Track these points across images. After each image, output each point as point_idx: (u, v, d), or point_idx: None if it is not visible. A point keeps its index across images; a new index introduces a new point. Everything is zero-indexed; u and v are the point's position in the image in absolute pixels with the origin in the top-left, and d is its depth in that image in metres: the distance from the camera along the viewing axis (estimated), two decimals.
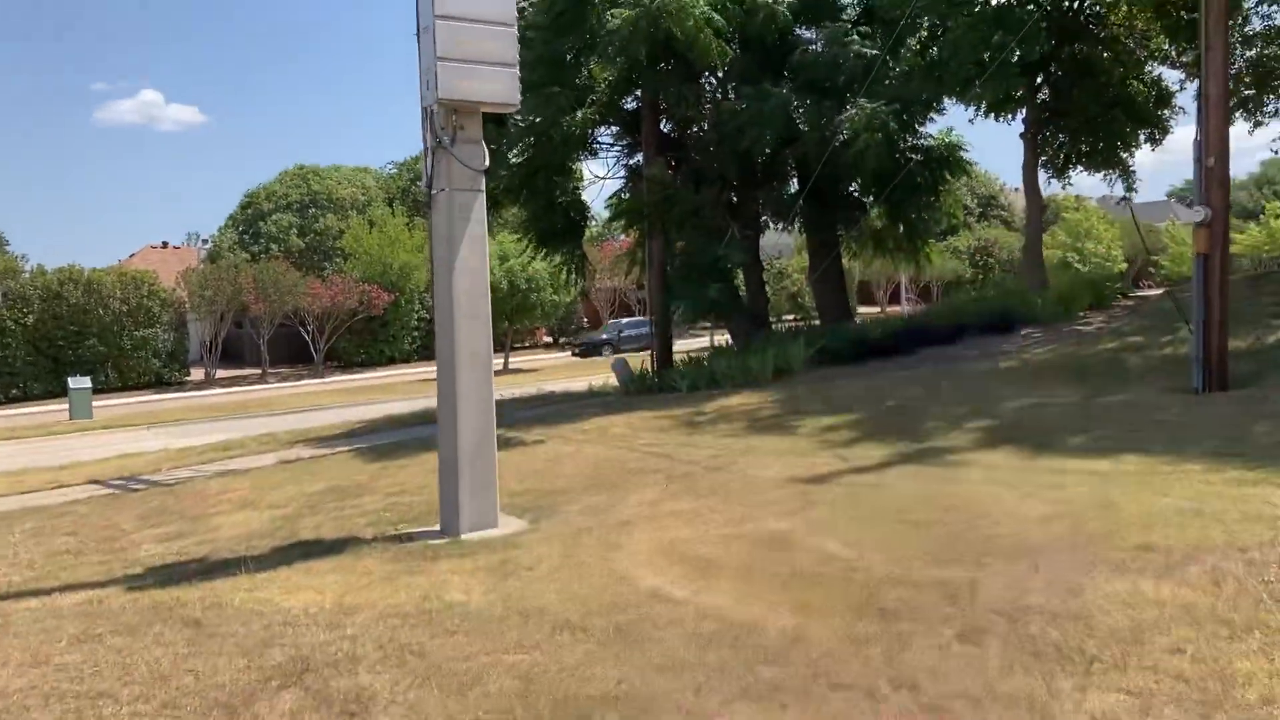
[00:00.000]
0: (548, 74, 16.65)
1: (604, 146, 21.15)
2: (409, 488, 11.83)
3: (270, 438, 20.38)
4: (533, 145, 18.74)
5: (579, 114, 17.39)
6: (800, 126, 17.17)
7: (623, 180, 21.30)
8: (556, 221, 20.66)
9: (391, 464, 13.72)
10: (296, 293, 43.89)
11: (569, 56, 17.14)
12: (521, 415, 18.87)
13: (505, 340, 42.50)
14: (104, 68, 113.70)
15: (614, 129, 20.85)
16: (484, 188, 9.74)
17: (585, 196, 21.21)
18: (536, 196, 20.20)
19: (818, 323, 20.35)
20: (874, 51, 16.34)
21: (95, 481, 15.62)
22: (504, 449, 14.01)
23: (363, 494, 11.82)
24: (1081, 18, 19.19)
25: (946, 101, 18.46)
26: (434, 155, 9.59)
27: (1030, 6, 17.77)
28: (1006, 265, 62.86)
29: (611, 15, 15.27)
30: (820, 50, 16.66)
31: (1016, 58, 16.35)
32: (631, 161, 21.11)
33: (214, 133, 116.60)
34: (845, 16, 17.57)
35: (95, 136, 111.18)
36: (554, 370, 38.28)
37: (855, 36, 16.42)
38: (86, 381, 32.15)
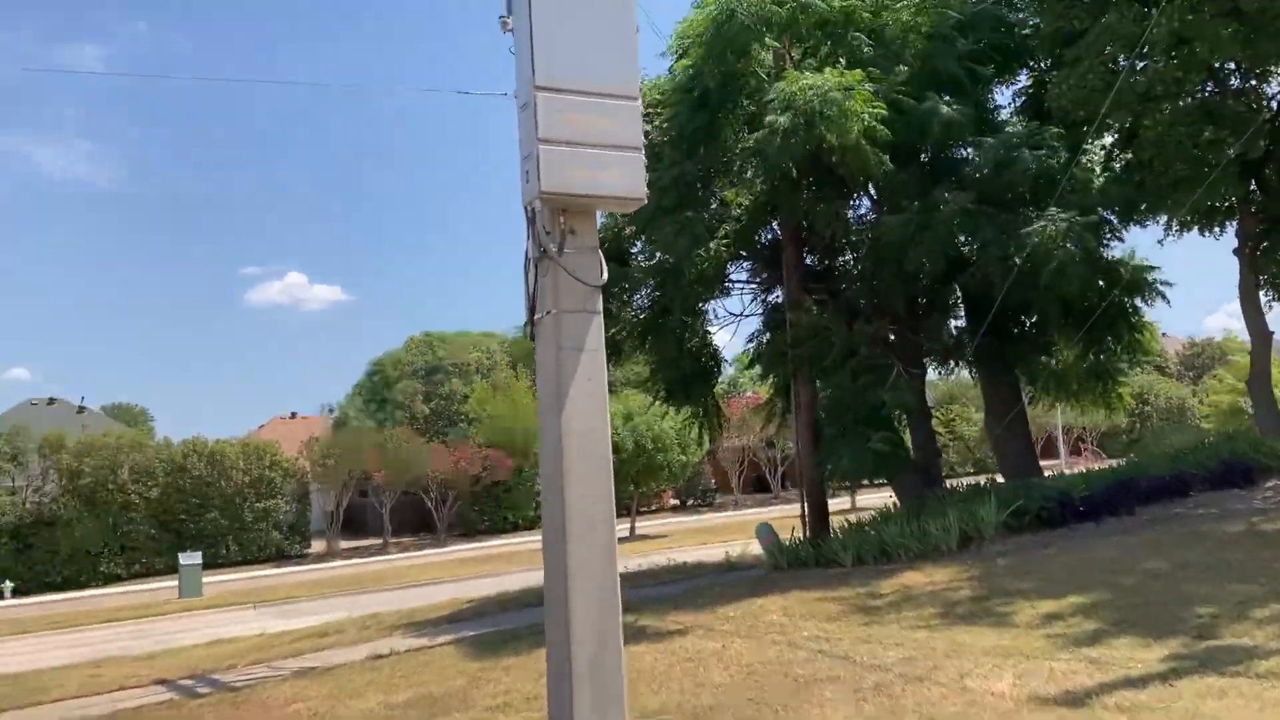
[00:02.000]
0: (676, 201, 14.64)
1: (737, 284, 18.99)
2: (514, 699, 9.27)
3: (373, 620, 18.21)
4: (659, 284, 16.70)
5: (711, 246, 15.31)
6: (970, 246, 14.68)
7: (760, 318, 19.05)
8: (685, 369, 18.40)
9: (496, 663, 11.20)
10: (419, 460, 42.55)
11: (699, 181, 15.15)
12: (651, 594, 16.21)
13: (631, 505, 40.02)
14: (255, 253, 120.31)
15: (748, 264, 18.72)
16: (600, 309, 7.47)
17: (717, 340, 19.02)
18: (663, 342, 18.03)
19: (999, 478, 17.36)
20: (1059, 158, 13.88)
21: (162, 682, 13.49)
22: (631, 642, 11.38)
23: (456, 708, 9.29)
24: None
25: (1143, 213, 15.80)
26: (537, 268, 7.38)
27: (1243, 98, 15.24)
28: (1165, 415, 58.03)
29: (768, 123, 13.21)
30: (993, 156, 14.25)
31: (1233, 156, 13.67)
32: (770, 298, 18.87)
33: (354, 308, 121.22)
34: (1016, 122, 15.23)
35: (244, 317, 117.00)
36: (684, 536, 35.48)
37: (1035, 144, 14.02)
38: (197, 557, 30.79)
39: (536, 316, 7.42)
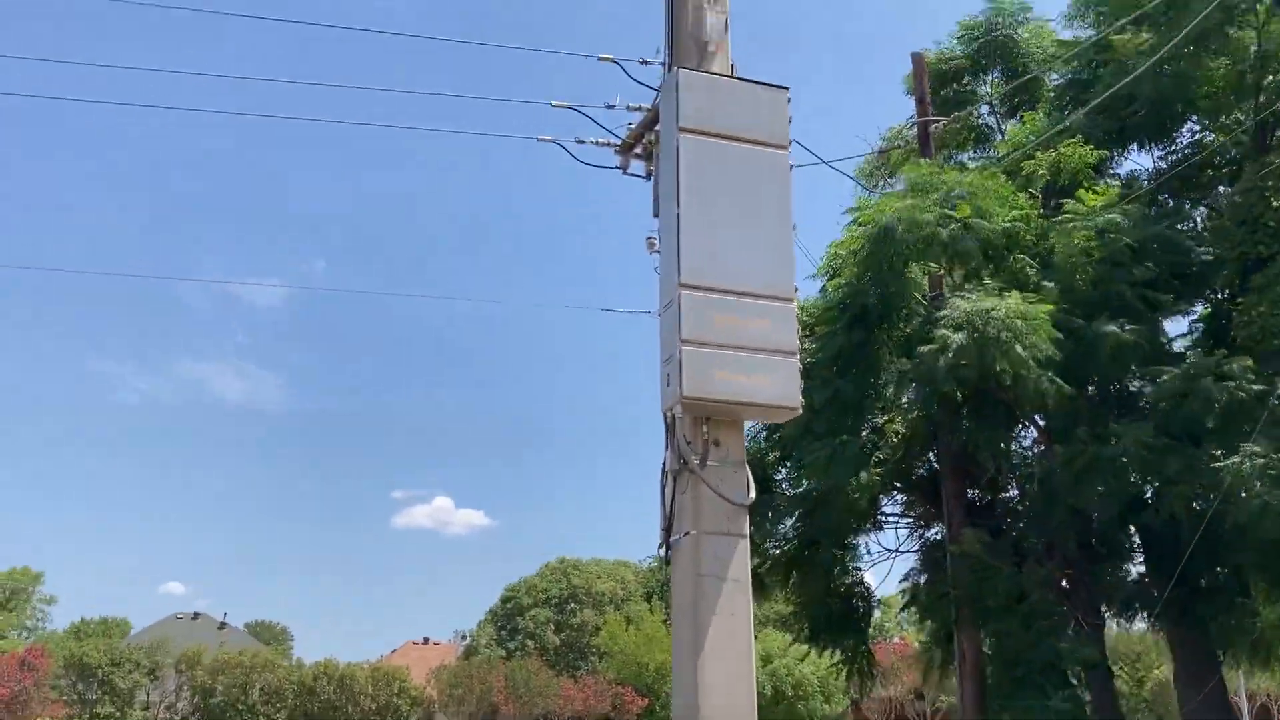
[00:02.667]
0: (828, 424, 13.78)
1: (890, 518, 17.68)
2: None
3: None
4: (807, 514, 15.57)
5: (863, 475, 14.25)
6: (1151, 484, 13.23)
7: (917, 556, 17.58)
8: (834, 608, 16.92)
9: None
10: (548, 694, 41.17)
11: (854, 403, 14.31)
12: None
13: None
14: (407, 476, 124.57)
15: (903, 496, 17.47)
16: (747, 532, 6.60)
17: (868, 578, 17.53)
18: (810, 577, 16.68)
19: None
20: (1249, 391, 12.56)
21: None
22: None
23: None
24: None
25: None
26: (675, 482, 6.60)
27: None
28: None
29: (937, 338, 12.41)
30: (1172, 386, 13.00)
31: None
32: (928, 534, 17.46)
33: (496, 533, 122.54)
34: (1196, 351, 14.00)
35: (391, 539, 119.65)
36: None
37: (1220, 374, 12.77)
38: None
39: (674, 537, 6.60)
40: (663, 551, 6.66)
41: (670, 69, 7.13)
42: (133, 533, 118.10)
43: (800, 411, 6.65)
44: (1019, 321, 12.11)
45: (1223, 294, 16.50)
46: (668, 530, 6.59)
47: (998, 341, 11.89)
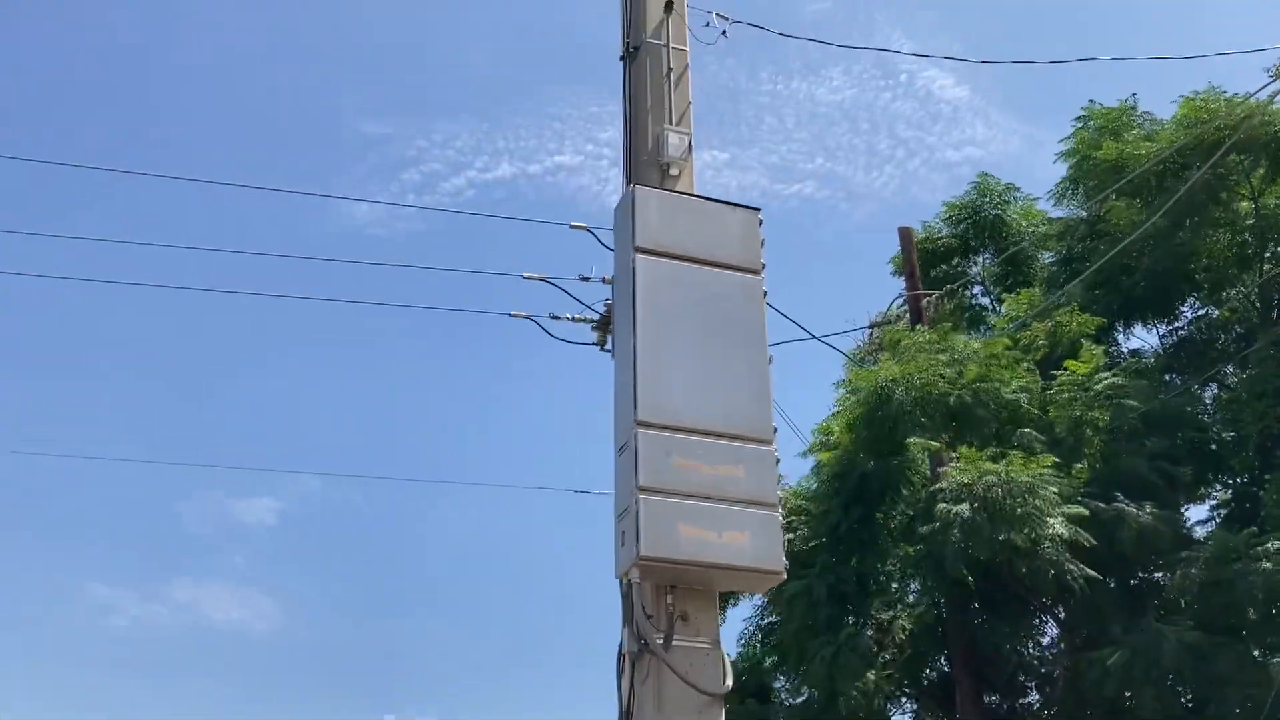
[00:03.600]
0: (830, 617, 12.44)
1: None
2: None
3: None
4: None
5: (870, 677, 12.77)
6: (1185, 695, 11.76)
7: None
8: None
9: None
10: None
11: (855, 594, 13.00)
12: None
13: None
14: (396, 701, 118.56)
15: (912, 702, 15.80)
16: None
17: None
18: None
19: None
20: None
21: None
22: None
23: None
24: None
25: None
26: (633, 668, 5.39)
27: None
28: None
29: (939, 513, 11.22)
30: (1203, 573, 11.76)
31: None
32: None
33: None
34: (1221, 534, 12.78)
35: None
36: None
37: (1256, 556, 11.56)
38: None
39: None
40: None
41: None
42: None
43: (784, 576, 5.51)
44: (1026, 480, 11.00)
45: (1243, 478, 15.46)
46: None
47: (1005, 514, 10.74)
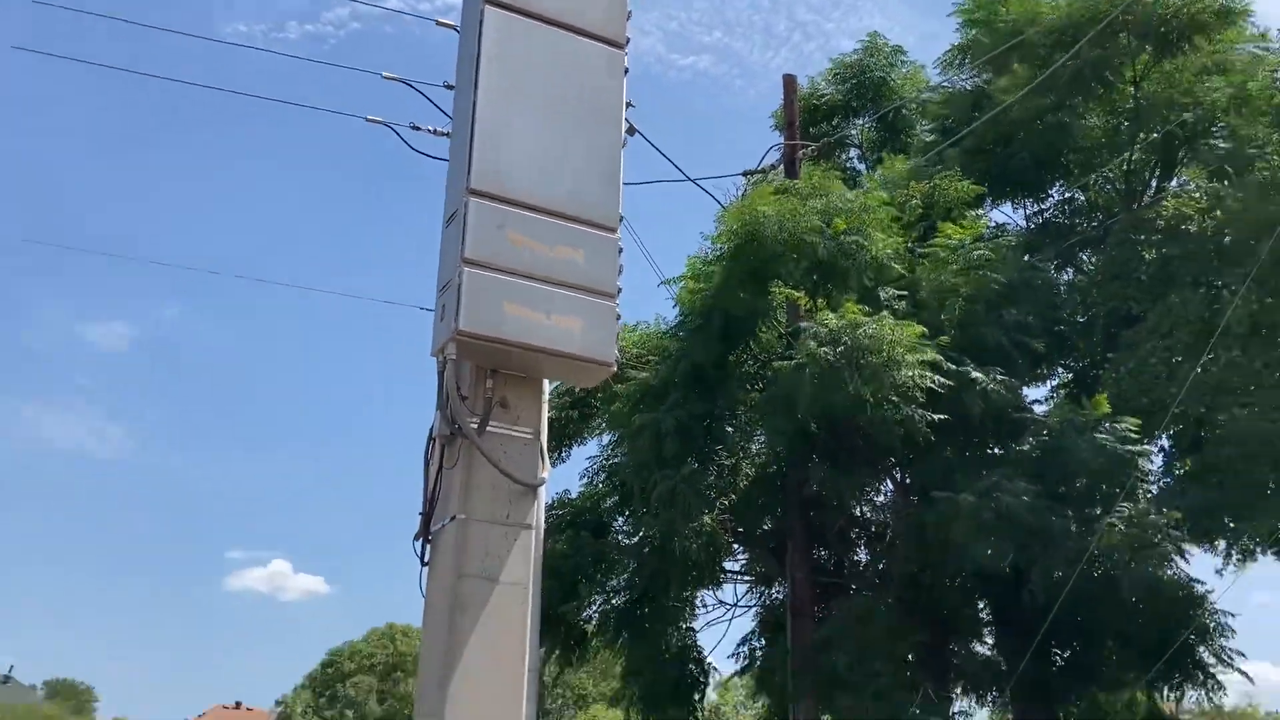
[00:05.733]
0: (678, 450, 12.25)
1: (730, 575, 16.14)
2: None
3: None
4: (643, 566, 13.95)
5: (706, 520, 12.76)
6: (1018, 547, 12.05)
7: (756, 619, 16.10)
8: (666, 676, 15.26)
9: None
10: None
11: (706, 432, 12.86)
12: None
13: None
14: (245, 537, 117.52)
15: (745, 553, 16.03)
16: (537, 523, 5.01)
17: (703, 641, 15.89)
18: (641, 639, 15.02)
19: None
20: (1132, 445, 11.62)
21: None
22: None
23: None
24: None
25: (1216, 526, 13.35)
26: (443, 453, 5.00)
27: None
28: None
29: (804, 350, 10.96)
30: (1044, 441, 11.99)
31: None
32: (771, 593, 16.02)
33: (333, 600, 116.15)
34: (1067, 406, 13.05)
35: (221, 602, 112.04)
36: None
37: (1095, 430, 11.84)
38: None
39: (434, 525, 4.96)
40: (419, 545, 4.98)
41: None
42: None
43: (614, 369, 5.16)
44: (889, 334, 10.86)
45: (1086, 361, 15.86)
46: (428, 516, 4.93)
47: (860, 366, 10.59)
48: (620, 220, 5.27)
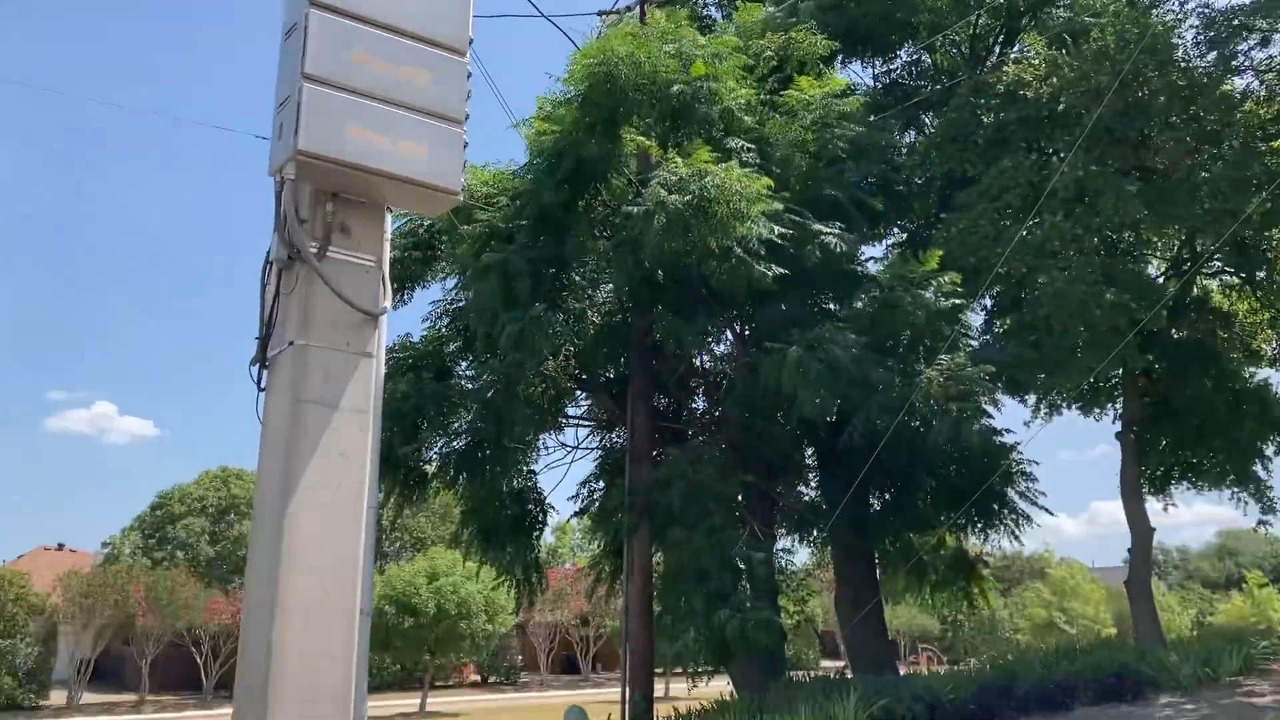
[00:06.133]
0: (528, 291, 12.14)
1: (571, 420, 16.45)
2: None
3: None
4: (485, 409, 14.03)
5: (550, 364, 12.88)
6: (843, 396, 12.60)
7: (596, 462, 16.55)
8: (505, 514, 15.61)
9: None
10: (193, 608, 37.65)
11: (554, 277, 12.80)
12: None
13: (425, 678, 35.90)
14: (66, 377, 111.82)
15: (587, 397, 16.32)
16: (378, 352, 4.96)
17: (543, 483, 16.27)
18: (481, 481, 15.25)
19: (848, 668, 15.09)
20: (956, 300, 12.17)
21: None
22: None
23: None
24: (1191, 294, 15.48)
25: (1029, 380, 14.23)
26: (280, 277, 4.86)
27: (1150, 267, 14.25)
28: (975, 625, 56.56)
29: (652, 196, 10.91)
30: (876, 296, 12.46)
31: (1139, 323, 12.27)
32: (610, 437, 16.46)
33: (162, 444, 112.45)
34: (900, 264, 13.53)
35: (41, 444, 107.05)
36: (482, 716, 31.64)
37: (922, 286, 12.33)
38: None
39: (271, 351, 4.86)
40: (256, 370, 4.86)
41: None
42: None
43: (460, 198, 5.05)
44: (737, 186, 10.93)
45: (921, 222, 16.42)
46: (265, 341, 4.81)
47: (709, 215, 10.68)
48: (470, 43, 5.09)
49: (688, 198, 10.75)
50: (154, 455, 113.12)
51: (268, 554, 4.47)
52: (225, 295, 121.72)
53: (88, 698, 37.41)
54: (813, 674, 15.33)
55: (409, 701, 35.79)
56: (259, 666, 4.38)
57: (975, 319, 14.16)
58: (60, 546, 58.22)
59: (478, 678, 46.98)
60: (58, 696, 37.13)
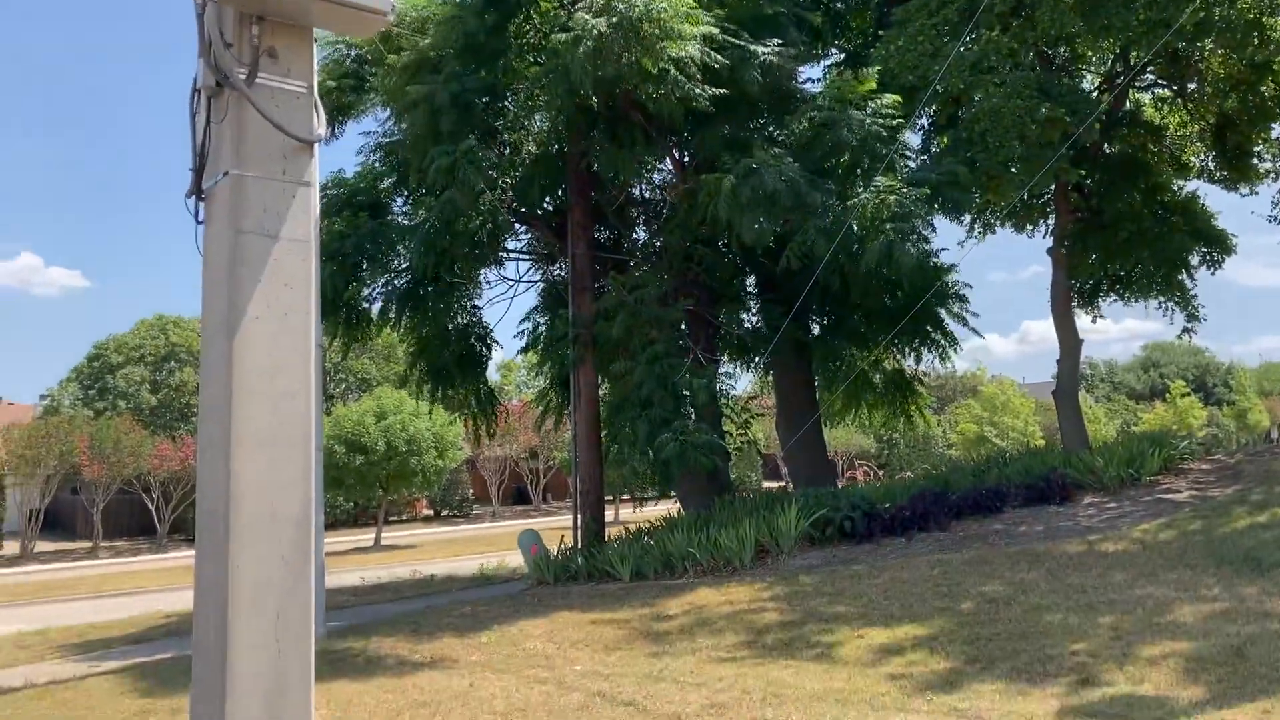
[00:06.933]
0: (455, 124, 11.88)
1: (514, 254, 16.38)
2: None
3: (39, 637, 14.65)
4: (425, 243, 13.90)
5: (488, 196, 12.68)
6: (780, 221, 12.67)
7: (539, 295, 16.60)
8: (452, 351, 15.69)
9: (165, 701, 8.28)
10: (141, 454, 37.77)
11: (483, 106, 12.50)
12: (389, 611, 13.50)
13: (379, 513, 36.66)
14: None
15: (528, 231, 16.23)
16: (314, 180, 4.89)
17: (488, 318, 16.30)
18: (424, 318, 15.26)
19: (789, 486, 15.69)
20: (893, 121, 12.14)
21: None
22: (351, 677, 8.77)
23: None
24: (1124, 108, 15.59)
25: (964, 197, 14.35)
26: (209, 106, 4.74)
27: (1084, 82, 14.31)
28: (910, 442, 58.53)
29: (576, 24, 10.62)
30: (814, 116, 12.38)
31: (1071, 137, 12.38)
32: (552, 270, 16.46)
33: (93, 294, 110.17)
34: (838, 82, 13.39)
35: None
36: (436, 547, 32.49)
37: (859, 106, 12.25)
38: None
39: (206, 183, 4.77)
40: (192, 202, 4.77)
41: None
42: None
43: (391, 18, 4.88)
44: (664, 5, 10.66)
45: (858, 41, 16.20)
46: (199, 172, 4.70)
47: (640, 37, 10.45)
48: None
49: (615, 19, 10.48)
50: (86, 306, 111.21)
51: (218, 386, 4.50)
52: (146, 139, 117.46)
53: (41, 545, 37.75)
54: (754, 494, 15.92)
55: (364, 536, 36.60)
56: (219, 497, 4.47)
57: (914, 139, 14.19)
58: None
59: (430, 512, 48.03)
60: (10, 546, 37.41)
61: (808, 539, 12.37)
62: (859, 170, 12.57)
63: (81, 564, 34.55)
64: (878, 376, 16.55)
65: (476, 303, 16.13)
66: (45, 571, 32.07)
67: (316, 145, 4.82)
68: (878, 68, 12.68)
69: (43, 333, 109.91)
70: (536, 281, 16.66)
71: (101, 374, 50.06)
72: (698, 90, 11.04)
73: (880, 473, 54.19)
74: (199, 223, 4.78)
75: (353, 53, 14.24)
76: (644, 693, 7.21)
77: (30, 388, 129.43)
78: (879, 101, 12.27)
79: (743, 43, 11.82)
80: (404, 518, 45.54)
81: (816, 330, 15.79)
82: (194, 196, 4.78)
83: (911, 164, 13.75)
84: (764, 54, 11.91)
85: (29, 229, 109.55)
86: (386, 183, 15.01)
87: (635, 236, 16.09)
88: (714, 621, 9.52)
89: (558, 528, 17.07)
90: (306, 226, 4.72)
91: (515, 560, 16.60)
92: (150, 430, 41.15)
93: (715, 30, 11.23)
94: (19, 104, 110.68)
